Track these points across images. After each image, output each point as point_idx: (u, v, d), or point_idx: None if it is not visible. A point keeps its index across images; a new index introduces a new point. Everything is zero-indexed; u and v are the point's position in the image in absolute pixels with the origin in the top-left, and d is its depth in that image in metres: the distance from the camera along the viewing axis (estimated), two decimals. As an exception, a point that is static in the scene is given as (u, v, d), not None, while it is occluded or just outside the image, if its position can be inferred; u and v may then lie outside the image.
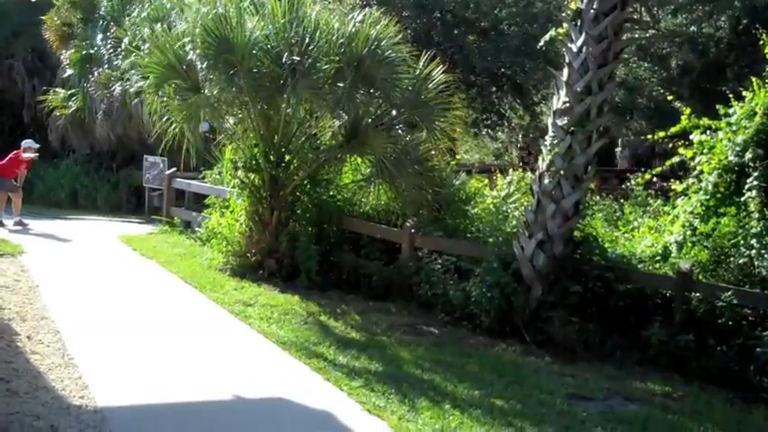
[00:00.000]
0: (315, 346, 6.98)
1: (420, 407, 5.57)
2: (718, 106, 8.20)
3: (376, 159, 9.79)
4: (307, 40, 9.40)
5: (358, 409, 5.50)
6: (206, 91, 9.77)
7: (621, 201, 10.38)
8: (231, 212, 10.87)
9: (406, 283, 8.95)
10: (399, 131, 10.07)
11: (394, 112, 10.03)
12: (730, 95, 8.20)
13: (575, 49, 7.94)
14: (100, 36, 18.39)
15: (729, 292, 6.82)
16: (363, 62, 9.49)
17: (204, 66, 9.62)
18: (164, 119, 10.33)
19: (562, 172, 7.81)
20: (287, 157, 10.08)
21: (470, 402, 5.76)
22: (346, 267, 9.67)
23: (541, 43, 9.06)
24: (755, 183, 7.53)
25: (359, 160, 10.30)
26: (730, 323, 6.79)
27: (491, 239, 8.56)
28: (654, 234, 8.40)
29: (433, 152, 10.13)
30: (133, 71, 11.99)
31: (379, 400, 5.65)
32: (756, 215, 7.50)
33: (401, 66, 9.77)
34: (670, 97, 11.92)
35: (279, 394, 5.76)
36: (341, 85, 9.58)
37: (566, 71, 8.02)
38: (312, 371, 6.27)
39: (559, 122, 7.91)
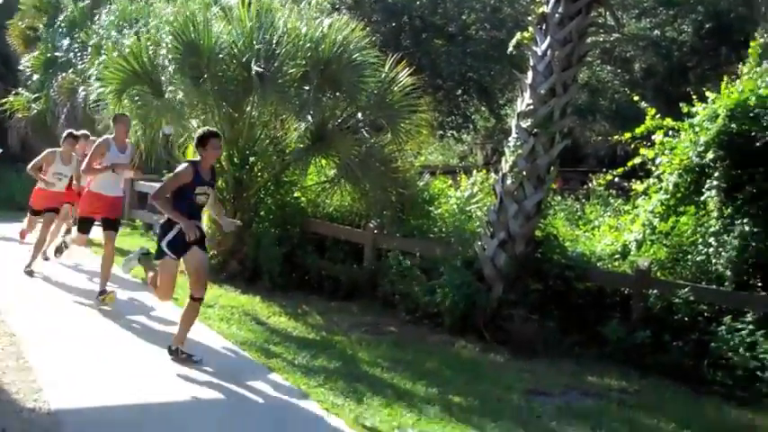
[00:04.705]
0: (274, 345, 6.96)
1: (378, 405, 5.56)
2: (681, 104, 8.31)
3: (341, 161, 9.78)
4: (273, 45, 9.39)
5: (316, 407, 5.48)
6: (169, 95, 9.70)
7: (583, 201, 10.47)
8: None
9: (369, 283, 8.96)
10: (365, 133, 10.05)
11: (360, 115, 10.04)
12: (694, 97, 8.31)
13: (539, 53, 8.01)
14: (65, 40, 18.23)
15: (686, 289, 6.91)
16: (330, 65, 9.50)
17: (171, 69, 9.57)
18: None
19: (525, 173, 7.85)
20: (251, 160, 10.04)
21: (428, 399, 5.77)
22: (309, 269, 9.65)
23: (510, 48, 9.03)
24: (716, 183, 7.64)
25: (323, 162, 10.27)
26: (686, 319, 6.88)
27: (453, 239, 8.59)
28: (614, 233, 8.50)
29: (397, 153, 10.13)
30: (95, 77, 11.88)
31: (337, 398, 5.64)
32: (715, 214, 7.61)
33: (367, 69, 9.76)
34: (636, 98, 12.06)
35: (237, 393, 5.72)
36: (307, 88, 9.57)
37: (530, 74, 8.08)
38: (271, 370, 6.24)
39: (523, 124, 7.96)
